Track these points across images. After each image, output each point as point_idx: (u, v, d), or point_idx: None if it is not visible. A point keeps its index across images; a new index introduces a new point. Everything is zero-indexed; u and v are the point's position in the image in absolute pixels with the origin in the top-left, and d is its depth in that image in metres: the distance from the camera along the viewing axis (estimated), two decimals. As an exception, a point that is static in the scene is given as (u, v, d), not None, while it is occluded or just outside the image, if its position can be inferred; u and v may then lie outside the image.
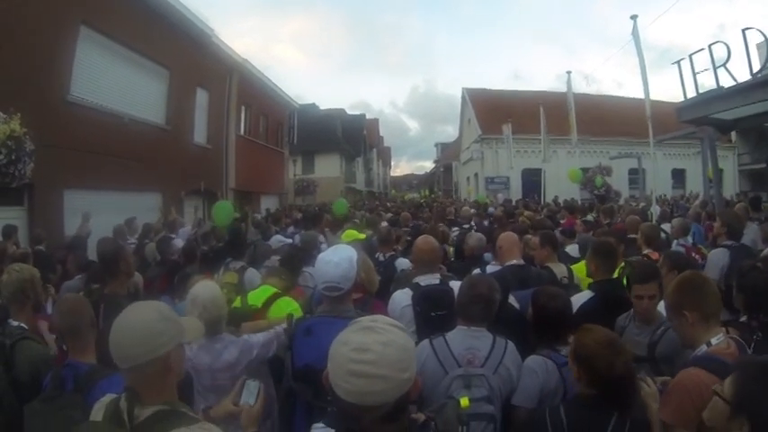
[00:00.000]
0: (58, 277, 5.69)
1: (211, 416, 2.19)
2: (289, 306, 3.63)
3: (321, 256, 2.84)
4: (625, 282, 3.74)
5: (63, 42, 10.14)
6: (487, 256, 5.67)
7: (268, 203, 22.17)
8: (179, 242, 7.19)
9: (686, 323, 2.39)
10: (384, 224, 8.09)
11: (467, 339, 2.79)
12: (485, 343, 2.80)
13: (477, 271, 4.30)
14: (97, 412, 1.70)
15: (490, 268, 4.54)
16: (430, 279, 3.71)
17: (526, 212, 10.66)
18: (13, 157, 6.80)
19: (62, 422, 2.26)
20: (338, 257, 2.72)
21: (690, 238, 6.70)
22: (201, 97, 16.90)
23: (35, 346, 3.04)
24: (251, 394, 2.20)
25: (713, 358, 2.18)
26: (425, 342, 2.82)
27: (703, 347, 2.34)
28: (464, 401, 2.31)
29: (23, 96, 8.28)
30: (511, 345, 2.85)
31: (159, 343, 1.65)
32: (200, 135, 16.79)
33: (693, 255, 5.60)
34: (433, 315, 3.36)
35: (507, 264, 4.32)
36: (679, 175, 33.10)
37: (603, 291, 3.66)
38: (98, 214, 9.78)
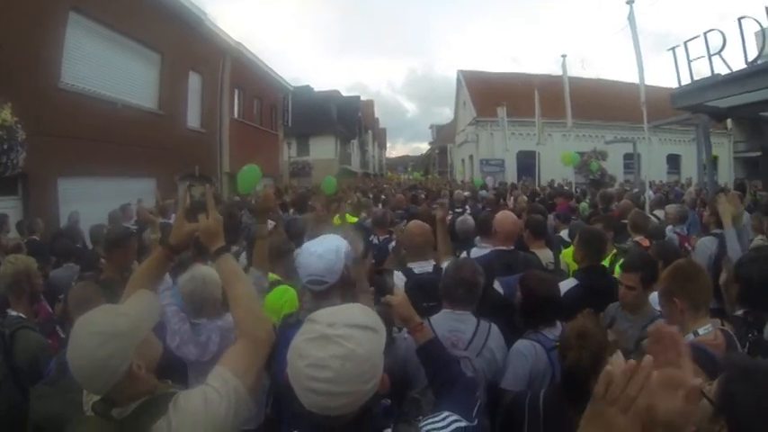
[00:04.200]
0: (51, 267, 5.68)
1: (173, 243, 2.08)
2: (285, 294, 3.62)
3: (305, 246, 2.68)
4: (618, 268, 3.79)
5: (52, 29, 10.06)
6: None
7: (262, 186, 22.15)
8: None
9: (675, 310, 2.41)
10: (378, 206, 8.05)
11: (451, 322, 2.81)
12: (469, 326, 2.83)
13: (463, 254, 4.30)
14: (88, 401, 1.73)
15: (476, 251, 4.54)
16: (424, 266, 3.70)
17: (522, 197, 10.61)
18: (5, 147, 6.82)
19: (66, 404, 2.29)
20: (322, 248, 2.53)
21: (685, 227, 6.70)
22: (194, 81, 16.82)
23: (33, 336, 3.14)
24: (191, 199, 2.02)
25: (697, 348, 2.10)
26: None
27: (690, 336, 2.33)
28: None
29: (14, 85, 8.25)
30: (495, 328, 2.88)
31: (111, 370, 1.55)
32: (193, 119, 16.74)
33: (686, 244, 5.60)
34: (425, 306, 3.25)
35: (495, 248, 4.31)
36: (674, 161, 33.05)
37: (587, 278, 3.67)
38: (93, 201, 9.78)
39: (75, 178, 10.49)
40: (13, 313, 3.29)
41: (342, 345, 1.24)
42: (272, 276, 3.88)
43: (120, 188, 11.34)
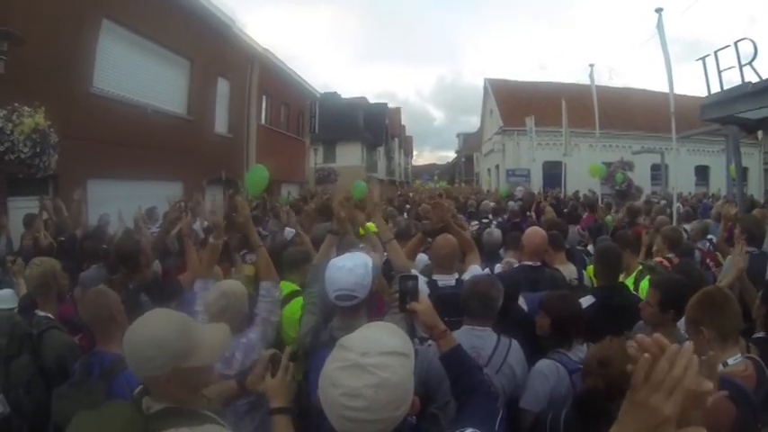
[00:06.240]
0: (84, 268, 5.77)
1: (247, 388, 2.20)
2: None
3: (333, 261, 2.62)
4: (645, 284, 3.72)
5: (86, 35, 10.36)
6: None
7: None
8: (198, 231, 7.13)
9: (702, 340, 2.32)
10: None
11: (471, 339, 2.77)
12: (489, 342, 2.81)
13: (486, 270, 4.26)
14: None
15: (498, 268, 4.55)
16: (447, 279, 3.66)
17: (548, 209, 10.43)
18: (38, 150, 6.97)
19: (87, 406, 2.35)
20: (352, 263, 2.50)
21: (707, 242, 6.54)
22: (223, 87, 17.05)
23: (61, 336, 3.22)
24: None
25: (728, 380, 2.05)
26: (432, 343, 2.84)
27: (719, 367, 2.22)
28: None
29: (48, 89, 8.49)
30: (515, 343, 2.86)
31: (149, 367, 1.66)
32: (221, 125, 16.97)
33: (708, 261, 5.45)
34: (447, 320, 3.31)
35: (522, 263, 4.30)
36: (702, 172, 32.41)
37: (604, 296, 3.64)
38: (121, 203, 9.92)
39: (104, 180, 10.71)
40: (41, 314, 3.37)
41: (375, 374, 1.25)
42: (291, 286, 3.89)
43: (148, 191, 11.43)
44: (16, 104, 7.03)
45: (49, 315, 3.38)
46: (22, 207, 7.90)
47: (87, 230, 6.97)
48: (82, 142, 9.48)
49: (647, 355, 0.95)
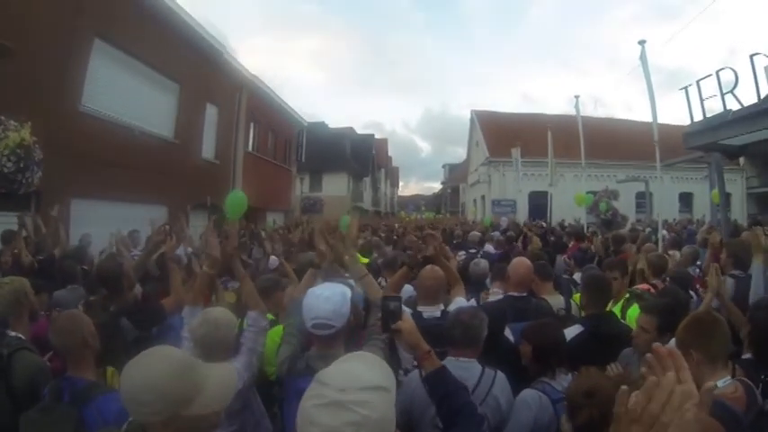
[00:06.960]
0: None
1: None
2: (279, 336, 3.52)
3: (311, 289, 2.66)
4: (631, 313, 3.69)
5: (77, 54, 10.40)
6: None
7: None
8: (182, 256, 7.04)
9: (691, 363, 2.28)
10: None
11: (455, 370, 2.69)
12: (473, 374, 2.80)
13: (472, 301, 4.20)
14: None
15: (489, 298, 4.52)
16: (432, 311, 3.64)
17: (535, 239, 10.39)
18: (22, 165, 6.91)
19: None
20: (329, 291, 2.54)
21: (696, 268, 6.54)
22: (211, 112, 17.10)
23: (32, 357, 3.09)
24: None
25: (718, 403, 2.08)
26: (415, 372, 2.79)
27: None
28: None
29: (36, 105, 8.46)
30: (500, 375, 2.85)
31: (144, 412, 1.59)
32: (208, 150, 16.96)
33: (697, 286, 5.44)
34: None
35: (508, 294, 4.27)
36: (686, 199, 33.06)
37: (593, 324, 3.60)
38: (103, 224, 9.80)
39: (88, 200, 10.63)
40: (12, 333, 3.24)
41: (355, 411, 1.19)
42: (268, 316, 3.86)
43: (131, 213, 11.34)
44: (2, 118, 7.00)
45: (21, 335, 3.26)
46: (1, 223, 7.75)
47: (67, 250, 6.85)
48: (67, 160, 9.40)
49: (624, 387, 1.00)
